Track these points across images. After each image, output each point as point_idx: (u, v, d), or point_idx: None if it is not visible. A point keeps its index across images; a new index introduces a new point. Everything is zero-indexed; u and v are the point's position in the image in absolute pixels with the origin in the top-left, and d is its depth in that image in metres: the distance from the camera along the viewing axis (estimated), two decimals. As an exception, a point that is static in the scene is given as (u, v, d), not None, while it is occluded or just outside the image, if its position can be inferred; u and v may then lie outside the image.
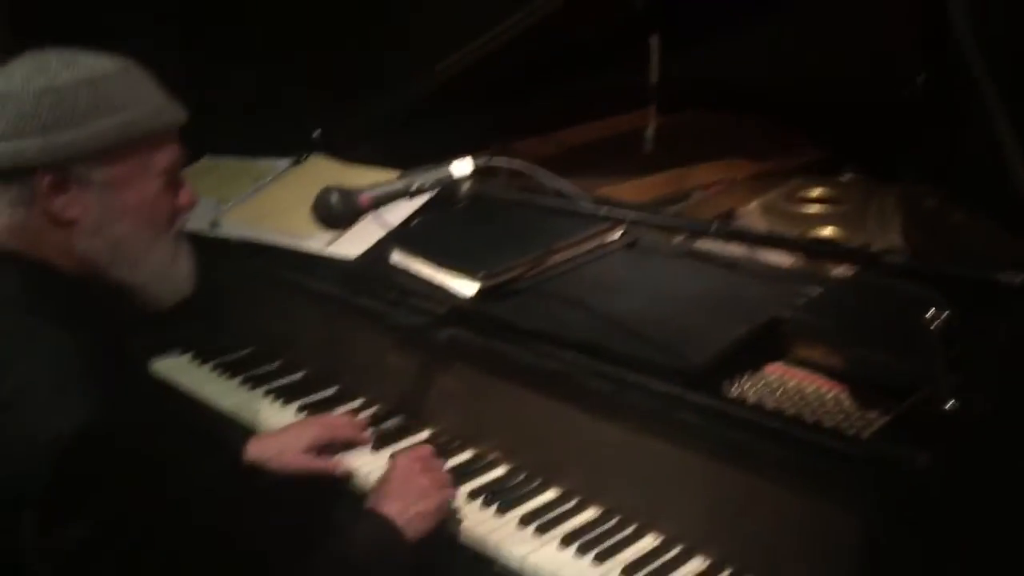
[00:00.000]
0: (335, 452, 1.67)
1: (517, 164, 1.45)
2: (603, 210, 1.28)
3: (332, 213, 1.36)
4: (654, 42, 2.23)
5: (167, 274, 1.34)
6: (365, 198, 1.36)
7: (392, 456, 1.58)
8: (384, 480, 1.52)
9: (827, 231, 1.90)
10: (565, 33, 2.16)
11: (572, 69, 2.37)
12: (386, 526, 1.43)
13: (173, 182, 1.32)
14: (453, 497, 1.51)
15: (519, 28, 2.01)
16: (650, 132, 2.31)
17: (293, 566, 1.34)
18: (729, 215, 2.02)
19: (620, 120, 2.55)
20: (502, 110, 2.40)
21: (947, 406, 1.19)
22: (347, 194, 1.37)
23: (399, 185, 1.39)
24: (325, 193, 1.38)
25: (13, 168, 1.20)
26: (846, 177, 2.14)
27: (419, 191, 1.38)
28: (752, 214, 2.04)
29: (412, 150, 2.18)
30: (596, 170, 2.21)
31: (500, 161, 1.44)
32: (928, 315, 1.21)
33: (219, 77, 2.84)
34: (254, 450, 1.67)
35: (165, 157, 1.29)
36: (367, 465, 1.64)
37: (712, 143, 2.37)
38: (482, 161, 1.41)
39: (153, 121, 1.26)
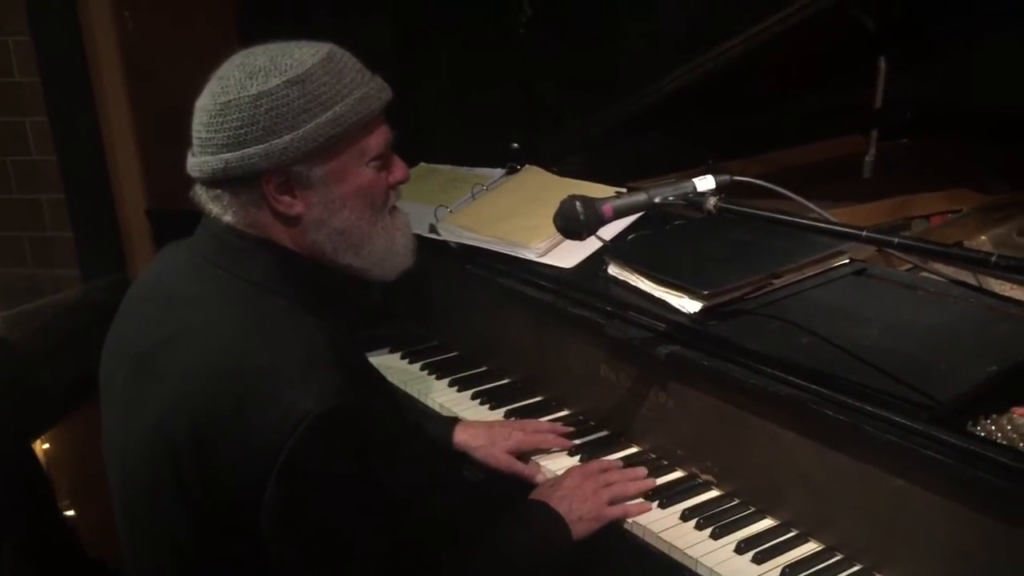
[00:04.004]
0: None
1: (761, 182, 1.42)
2: (864, 232, 1.23)
3: (577, 221, 1.37)
4: (882, 65, 2.15)
5: (389, 252, 1.38)
6: (608, 208, 1.37)
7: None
8: (556, 482, 1.58)
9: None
10: (788, 53, 2.11)
11: (790, 90, 2.32)
12: (555, 516, 1.49)
13: (386, 161, 1.35)
14: (618, 518, 1.52)
15: (745, 46, 1.97)
16: (870, 158, 2.22)
17: (472, 539, 1.44)
18: (956, 248, 1.92)
19: (835, 144, 2.48)
20: (712, 129, 2.37)
21: None
22: (590, 203, 1.38)
23: (642, 197, 1.38)
24: (569, 202, 1.39)
25: (242, 175, 1.25)
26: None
27: (662, 204, 1.37)
28: (980, 249, 1.94)
29: (618, 166, 2.21)
30: (807, 194, 2.15)
31: (743, 179, 1.41)
32: None
33: (426, 89, 2.95)
34: (464, 436, 1.71)
35: (376, 140, 1.32)
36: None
37: (935, 171, 2.28)
38: (724, 178, 1.39)
39: (361, 110, 1.28)
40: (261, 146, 1.23)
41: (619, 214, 1.39)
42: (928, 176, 2.24)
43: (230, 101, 1.24)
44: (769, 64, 2.13)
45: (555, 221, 1.42)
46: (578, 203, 1.38)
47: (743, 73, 2.08)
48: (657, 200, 1.38)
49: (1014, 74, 2.17)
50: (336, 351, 1.24)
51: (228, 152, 1.24)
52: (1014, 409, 1.37)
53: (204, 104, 1.27)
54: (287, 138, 1.23)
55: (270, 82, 1.23)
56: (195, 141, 1.29)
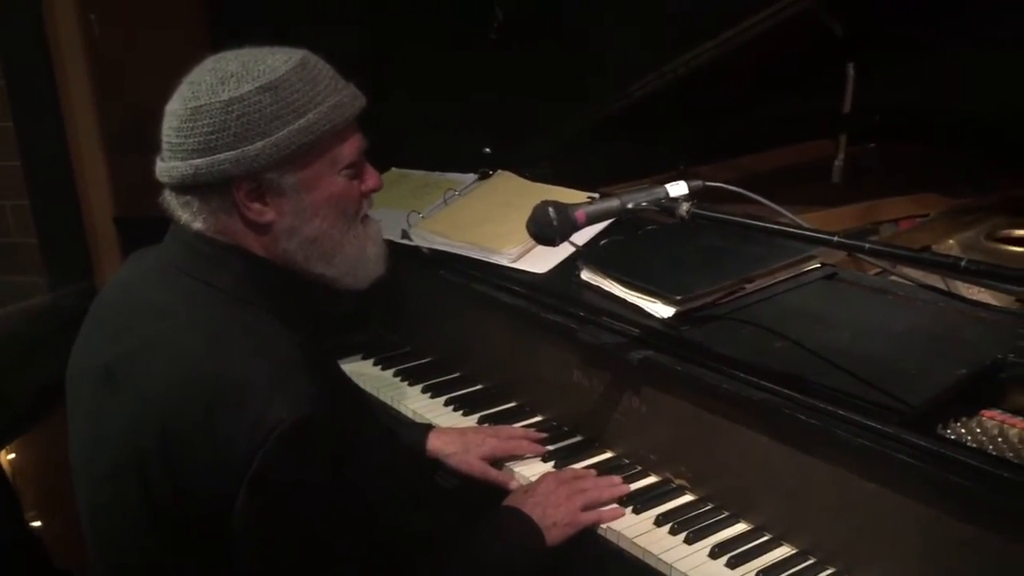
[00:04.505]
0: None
1: (732, 188, 1.43)
2: (835, 238, 1.23)
3: (550, 227, 1.37)
4: (850, 70, 2.17)
5: (360, 261, 1.37)
6: (581, 214, 1.37)
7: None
8: (530, 488, 1.57)
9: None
10: (757, 59, 2.12)
11: (759, 95, 2.33)
12: (529, 523, 1.49)
13: (358, 170, 1.34)
14: (592, 523, 1.52)
15: (714, 53, 1.98)
16: (839, 162, 2.24)
17: (447, 546, 1.44)
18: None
19: (805, 148, 2.50)
20: (682, 134, 2.38)
21: None
22: (563, 209, 1.38)
23: (615, 203, 1.39)
24: (542, 208, 1.39)
25: (212, 181, 1.24)
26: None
27: (634, 210, 1.37)
28: (948, 252, 1.95)
29: (590, 171, 2.21)
30: (778, 199, 2.17)
31: (715, 184, 1.42)
32: None
33: (398, 94, 2.94)
34: (437, 443, 1.70)
35: (348, 149, 1.31)
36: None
37: (903, 176, 2.30)
38: (696, 184, 1.39)
39: (334, 118, 1.27)
40: (232, 152, 1.22)
41: (592, 220, 1.39)
42: (897, 180, 2.26)
43: (201, 106, 1.22)
44: (738, 69, 2.15)
45: (528, 227, 1.41)
46: (551, 209, 1.38)
47: (712, 78, 2.09)
48: (630, 206, 1.38)
49: (981, 80, 2.20)
50: (307, 359, 1.23)
51: (198, 158, 1.22)
52: (983, 412, 1.39)
53: (174, 109, 1.25)
54: (259, 145, 1.22)
55: (242, 88, 1.22)
56: (165, 146, 1.27)
